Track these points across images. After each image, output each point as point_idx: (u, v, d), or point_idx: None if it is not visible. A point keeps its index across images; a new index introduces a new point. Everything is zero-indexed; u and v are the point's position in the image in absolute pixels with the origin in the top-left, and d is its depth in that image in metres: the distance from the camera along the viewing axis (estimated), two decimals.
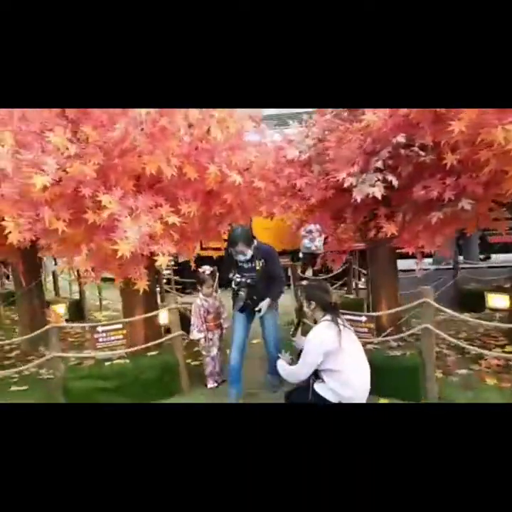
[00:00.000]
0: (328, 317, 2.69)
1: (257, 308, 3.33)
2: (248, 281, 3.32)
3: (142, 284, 3.17)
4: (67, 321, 6.01)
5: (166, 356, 3.38)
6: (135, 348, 3.27)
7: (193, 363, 3.98)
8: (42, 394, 3.51)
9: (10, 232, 2.74)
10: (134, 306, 3.91)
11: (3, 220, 2.75)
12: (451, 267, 6.02)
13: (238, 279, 3.36)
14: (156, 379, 3.22)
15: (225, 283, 3.59)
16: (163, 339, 3.38)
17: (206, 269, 3.67)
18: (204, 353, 3.63)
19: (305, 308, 2.82)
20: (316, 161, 3.60)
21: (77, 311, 6.19)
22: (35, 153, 2.74)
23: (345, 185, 3.18)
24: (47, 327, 3.13)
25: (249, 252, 3.28)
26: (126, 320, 3.36)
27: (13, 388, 3.72)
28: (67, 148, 2.78)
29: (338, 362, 2.63)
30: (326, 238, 7.92)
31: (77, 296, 7.77)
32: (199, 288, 3.66)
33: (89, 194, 2.81)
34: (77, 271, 6.92)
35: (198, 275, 3.69)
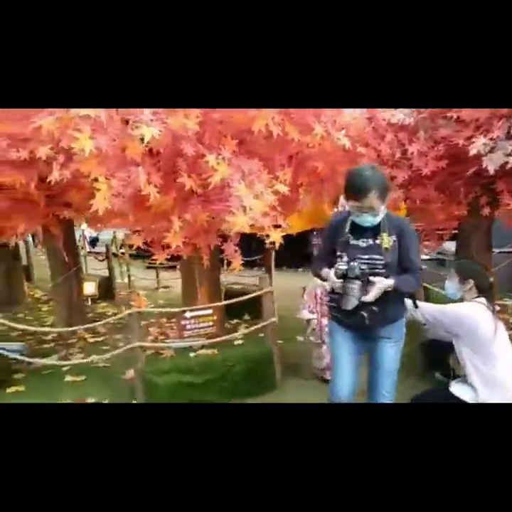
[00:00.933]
0: (482, 300, 2.31)
1: (367, 298, 1.85)
2: (366, 269, 1.87)
3: (237, 264, 2.70)
4: (97, 300, 5.53)
5: (256, 345, 2.94)
6: (226, 337, 2.82)
7: None
8: (104, 385, 3.07)
9: (93, 198, 2.24)
10: (195, 286, 3.46)
11: (88, 180, 2.24)
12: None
13: (345, 266, 1.86)
14: (248, 372, 2.79)
15: (319, 273, 2.07)
16: (259, 325, 2.93)
17: None
18: (312, 338, 3.17)
19: (450, 289, 2.43)
20: (422, 127, 3.14)
21: (108, 289, 5.69)
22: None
23: (471, 153, 2.75)
24: (128, 311, 2.65)
25: (381, 212, 1.90)
26: (215, 304, 2.90)
27: (69, 378, 3.26)
28: None
29: (490, 355, 2.26)
30: None
31: (91, 272, 7.27)
32: None
33: (193, 153, 2.31)
34: (107, 246, 6.41)
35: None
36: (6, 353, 3.41)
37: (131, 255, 6.59)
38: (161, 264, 7.04)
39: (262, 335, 3.13)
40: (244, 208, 2.21)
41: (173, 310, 3.02)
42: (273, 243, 2.57)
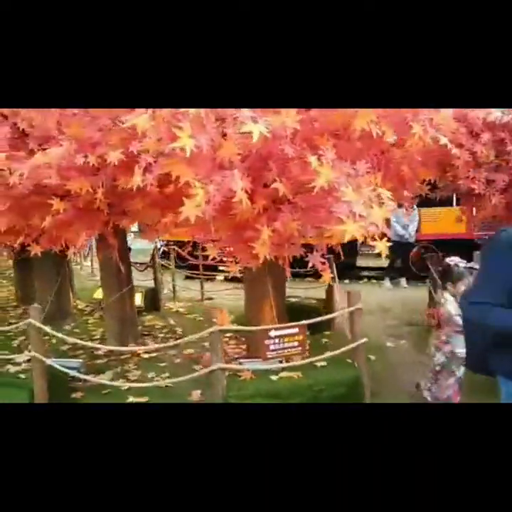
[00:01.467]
0: None
1: None
2: None
3: (327, 276, 2.44)
4: (142, 311, 5.33)
5: (341, 367, 2.66)
6: (313, 359, 2.55)
7: None
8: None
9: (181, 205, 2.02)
10: (262, 300, 3.21)
11: (178, 183, 2.02)
12: None
13: None
14: (336, 398, 2.51)
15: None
16: (351, 346, 2.64)
17: (457, 261, 2.75)
18: (438, 367, 2.79)
19: None
20: None
21: (153, 300, 5.50)
22: None
23: None
24: (210, 330, 2.41)
25: None
26: (301, 323, 2.63)
27: (132, 399, 3.03)
28: None
29: None
30: (419, 225, 7.18)
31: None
32: (449, 287, 2.76)
33: (292, 155, 2.07)
34: (152, 256, 6.23)
35: (444, 269, 2.83)
36: (64, 369, 3.23)
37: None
38: (204, 274, 6.87)
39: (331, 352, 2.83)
40: (353, 215, 1.96)
41: (255, 328, 2.76)
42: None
